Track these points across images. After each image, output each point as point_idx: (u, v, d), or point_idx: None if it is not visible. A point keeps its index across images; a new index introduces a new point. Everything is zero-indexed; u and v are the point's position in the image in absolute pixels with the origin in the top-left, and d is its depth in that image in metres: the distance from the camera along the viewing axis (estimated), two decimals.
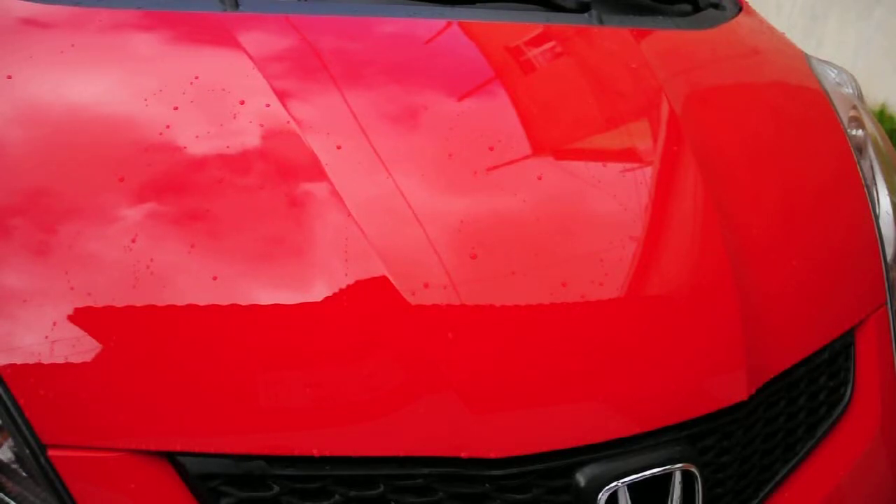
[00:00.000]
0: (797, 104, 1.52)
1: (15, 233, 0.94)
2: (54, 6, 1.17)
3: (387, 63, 1.22)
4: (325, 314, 0.93)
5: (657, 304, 1.04)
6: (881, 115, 4.13)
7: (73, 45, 1.14)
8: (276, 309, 0.92)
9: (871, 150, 1.46)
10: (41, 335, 0.88)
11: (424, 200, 1.03)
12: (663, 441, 0.99)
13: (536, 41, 1.36)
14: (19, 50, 1.11)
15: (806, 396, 1.16)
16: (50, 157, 1.00)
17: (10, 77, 1.08)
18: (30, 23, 1.16)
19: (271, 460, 0.88)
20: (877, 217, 1.35)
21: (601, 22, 1.44)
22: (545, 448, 0.94)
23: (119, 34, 1.17)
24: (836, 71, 1.71)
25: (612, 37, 1.43)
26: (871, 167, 1.43)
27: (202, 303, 0.91)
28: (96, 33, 1.17)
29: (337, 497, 0.90)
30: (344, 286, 0.94)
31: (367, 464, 0.90)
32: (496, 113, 1.20)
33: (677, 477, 0.98)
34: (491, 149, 1.11)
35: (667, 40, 1.49)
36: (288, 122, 1.06)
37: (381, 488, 0.91)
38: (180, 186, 0.99)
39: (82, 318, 0.89)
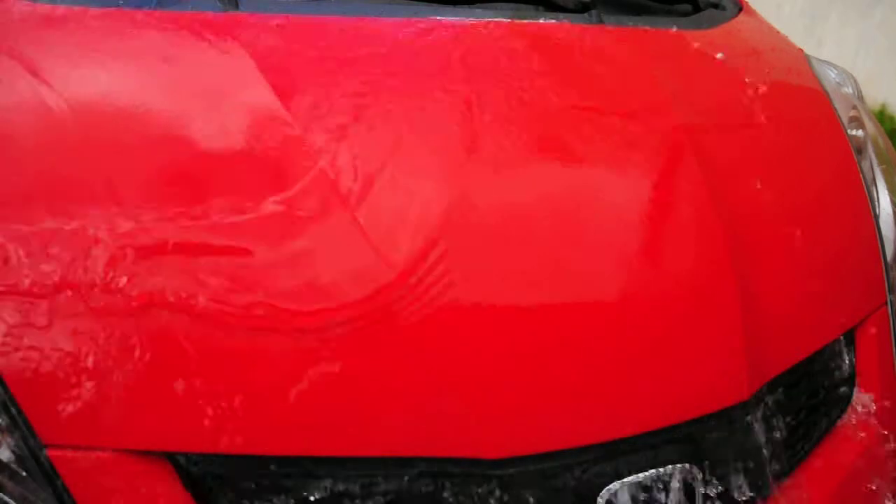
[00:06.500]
0: (797, 104, 1.51)
1: (14, 231, 0.94)
2: (53, 6, 1.17)
3: (387, 62, 1.22)
4: (325, 314, 0.93)
5: (657, 303, 1.04)
6: (881, 115, 4.13)
7: (70, 45, 1.14)
8: (276, 309, 0.92)
9: (871, 150, 1.46)
10: (41, 335, 0.88)
11: (424, 200, 1.03)
12: (663, 441, 0.99)
13: (536, 41, 1.35)
14: (16, 49, 1.11)
15: (806, 396, 1.17)
16: (47, 156, 1.00)
17: (7, 76, 1.08)
18: (28, 22, 1.16)
19: (271, 460, 0.88)
20: (877, 217, 1.35)
21: (601, 22, 1.44)
22: (545, 448, 0.94)
23: (118, 34, 1.17)
24: (836, 71, 1.71)
25: (612, 36, 1.43)
26: (871, 167, 1.43)
27: (201, 303, 0.91)
28: (94, 33, 1.16)
29: (336, 497, 0.90)
30: (343, 286, 0.94)
31: (366, 464, 0.90)
32: (495, 113, 1.20)
33: (677, 477, 0.98)
34: (490, 149, 1.11)
35: (667, 40, 1.49)
36: (288, 121, 1.06)
37: (381, 488, 0.91)
38: (178, 186, 0.99)
39: (82, 317, 0.89)
